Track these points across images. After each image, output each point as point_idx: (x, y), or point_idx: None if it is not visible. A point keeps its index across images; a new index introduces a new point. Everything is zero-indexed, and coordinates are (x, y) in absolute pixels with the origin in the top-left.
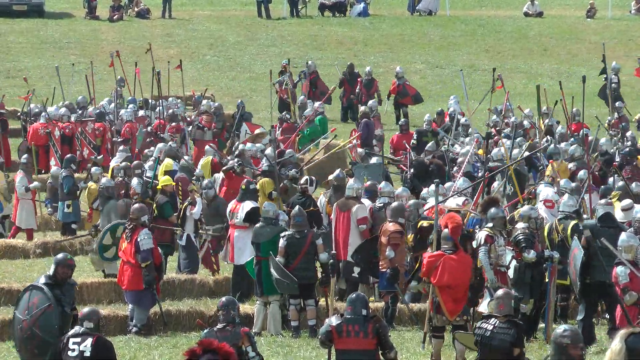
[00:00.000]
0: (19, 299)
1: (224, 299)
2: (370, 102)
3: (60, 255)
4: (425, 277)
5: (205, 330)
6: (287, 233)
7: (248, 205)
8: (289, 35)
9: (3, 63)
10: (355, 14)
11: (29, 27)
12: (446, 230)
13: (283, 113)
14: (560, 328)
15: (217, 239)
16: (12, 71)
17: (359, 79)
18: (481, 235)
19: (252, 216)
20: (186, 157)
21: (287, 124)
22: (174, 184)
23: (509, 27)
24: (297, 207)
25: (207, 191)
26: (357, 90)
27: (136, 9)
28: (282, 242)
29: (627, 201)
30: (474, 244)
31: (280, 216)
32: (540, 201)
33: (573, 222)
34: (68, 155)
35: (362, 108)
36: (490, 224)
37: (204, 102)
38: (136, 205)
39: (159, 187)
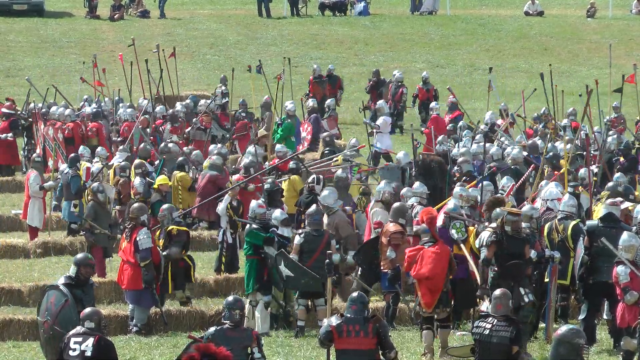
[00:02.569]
0: (39, 304)
1: (231, 299)
2: (328, 101)
3: (80, 255)
4: (407, 271)
5: (215, 329)
6: (305, 231)
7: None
8: (290, 35)
9: (3, 62)
10: (355, 13)
11: (29, 26)
12: (424, 224)
13: (239, 111)
14: (570, 328)
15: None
16: (12, 70)
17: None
18: (484, 235)
19: None
20: (215, 157)
21: (240, 122)
22: (170, 183)
23: (509, 26)
24: (314, 206)
25: (99, 194)
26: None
27: (138, 10)
28: (297, 239)
29: (617, 199)
30: (477, 243)
31: (279, 214)
32: (547, 199)
33: (573, 223)
34: (72, 155)
35: (309, 103)
36: (494, 224)
37: (202, 102)
38: (135, 205)
39: (155, 186)
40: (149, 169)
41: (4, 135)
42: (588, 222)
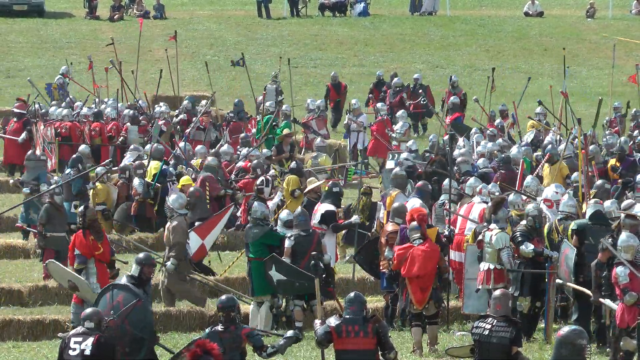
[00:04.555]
0: (99, 299)
1: (224, 298)
2: (318, 102)
3: (142, 255)
4: (395, 270)
5: (208, 331)
6: (293, 233)
7: (324, 207)
8: (289, 35)
9: (3, 63)
10: (355, 13)
11: (29, 26)
12: (414, 222)
13: (228, 113)
14: (572, 329)
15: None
16: (12, 71)
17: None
18: (503, 237)
19: (327, 218)
20: (211, 158)
21: (234, 123)
22: (193, 184)
23: (509, 26)
24: (299, 208)
25: (56, 197)
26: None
27: (138, 12)
28: (288, 243)
29: (628, 201)
30: (500, 242)
31: (285, 215)
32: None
33: (573, 223)
34: (74, 155)
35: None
36: (501, 224)
37: (203, 102)
38: (90, 207)
39: (178, 186)
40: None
41: (20, 138)
42: (577, 221)
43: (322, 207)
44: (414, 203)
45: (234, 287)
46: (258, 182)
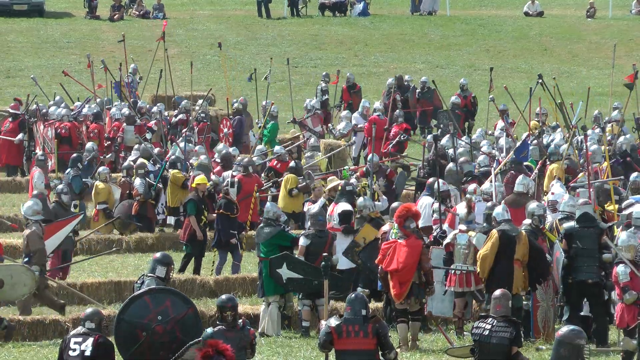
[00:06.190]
0: (130, 304)
1: (225, 297)
2: (313, 102)
3: (161, 255)
4: (379, 264)
5: (212, 330)
6: (309, 232)
7: (341, 207)
8: (289, 35)
9: (3, 63)
10: (355, 13)
11: (29, 26)
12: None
13: (199, 112)
14: (571, 329)
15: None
16: (12, 71)
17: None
18: (482, 238)
19: (345, 218)
20: (204, 156)
21: (203, 124)
22: (207, 183)
23: (509, 26)
24: (317, 207)
25: (63, 196)
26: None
27: (138, 12)
28: (303, 241)
29: (628, 201)
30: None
31: (282, 217)
32: (549, 200)
33: (562, 226)
34: (74, 155)
35: (235, 104)
36: (476, 226)
37: (199, 102)
38: None
39: (193, 185)
40: (150, 168)
41: (16, 139)
42: (565, 225)
43: (338, 207)
44: (424, 201)
45: (233, 287)
46: (225, 183)
